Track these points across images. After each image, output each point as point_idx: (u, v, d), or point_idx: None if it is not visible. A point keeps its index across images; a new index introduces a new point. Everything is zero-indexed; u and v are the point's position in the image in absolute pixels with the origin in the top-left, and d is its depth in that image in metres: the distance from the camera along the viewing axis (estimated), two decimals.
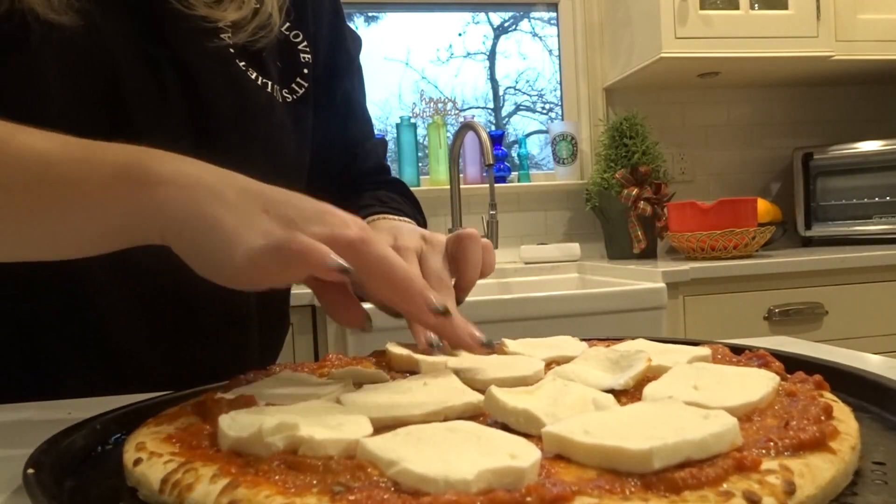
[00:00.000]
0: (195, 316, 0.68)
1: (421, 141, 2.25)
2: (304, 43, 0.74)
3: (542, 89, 2.58)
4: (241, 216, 0.40)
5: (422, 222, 0.76)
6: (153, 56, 0.63)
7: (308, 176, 0.76)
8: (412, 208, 0.82)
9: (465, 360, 0.49)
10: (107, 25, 0.60)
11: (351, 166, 0.84)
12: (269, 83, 0.69)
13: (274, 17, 0.68)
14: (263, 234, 0.40)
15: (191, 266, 0.41)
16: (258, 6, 0.67)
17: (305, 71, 0.74)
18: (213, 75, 0.65)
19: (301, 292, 1.50)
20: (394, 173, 0.90)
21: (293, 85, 0.73)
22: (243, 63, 0.67)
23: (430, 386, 0.42)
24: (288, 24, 0.72)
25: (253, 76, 0.68)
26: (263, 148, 0.69)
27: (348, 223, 0.42)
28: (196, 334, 0.69)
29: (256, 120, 0.68)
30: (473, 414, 0.39)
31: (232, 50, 0.66)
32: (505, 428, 0.35)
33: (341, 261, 0.39)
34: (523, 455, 0.29)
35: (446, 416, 0.38)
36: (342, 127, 0.82)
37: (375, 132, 0.89)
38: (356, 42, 0.85)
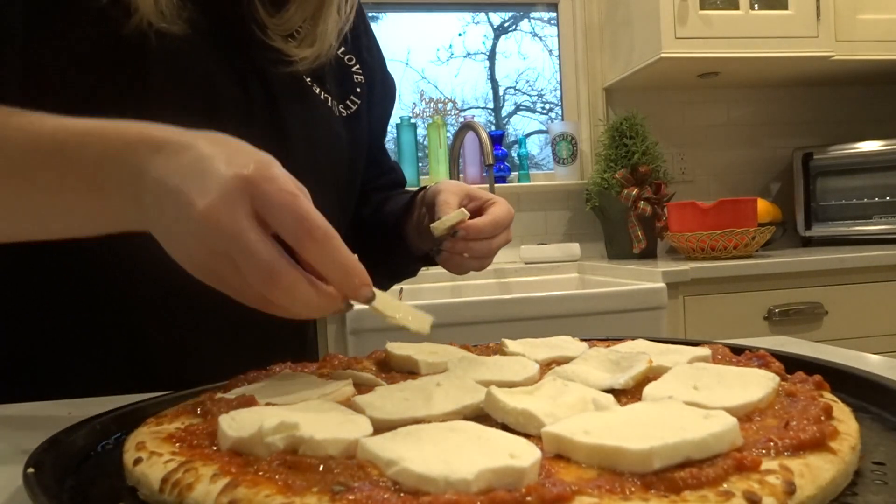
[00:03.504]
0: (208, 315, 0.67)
1: (421, 141, 2.25)
2: (357, 66, 0.84)
3: (542, 89, 2.58)
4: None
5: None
6: (241, 69, 0.68)
7: None
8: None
9: (461, 362, 0.49)
10: (208, 37, 0.66)
11: (376, 180, 0.93)
12: (329, 98, 0.78)
13: (333, 47, 0.76)
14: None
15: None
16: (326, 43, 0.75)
17: (358, 90, 0.83)
18: (289, 89, 0.72)
19: None
20: None
21: (348, 101, 0.82)
22: (309, 79, 0.75)
23: (444, 386, 0.42)
24: (343, 48, 0.81)
25: (317, 91, 0.76)
26: (326, 155, 0.76)
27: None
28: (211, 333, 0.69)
29: (320, 127, 0.76)
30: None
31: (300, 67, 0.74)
32: (505, 428, 0.35)
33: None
34: (523, 455, 0.29)
35: (465, 415, 0.38)
36: (374, 144, 0.91)
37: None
38: (392, 80, 0.95)
